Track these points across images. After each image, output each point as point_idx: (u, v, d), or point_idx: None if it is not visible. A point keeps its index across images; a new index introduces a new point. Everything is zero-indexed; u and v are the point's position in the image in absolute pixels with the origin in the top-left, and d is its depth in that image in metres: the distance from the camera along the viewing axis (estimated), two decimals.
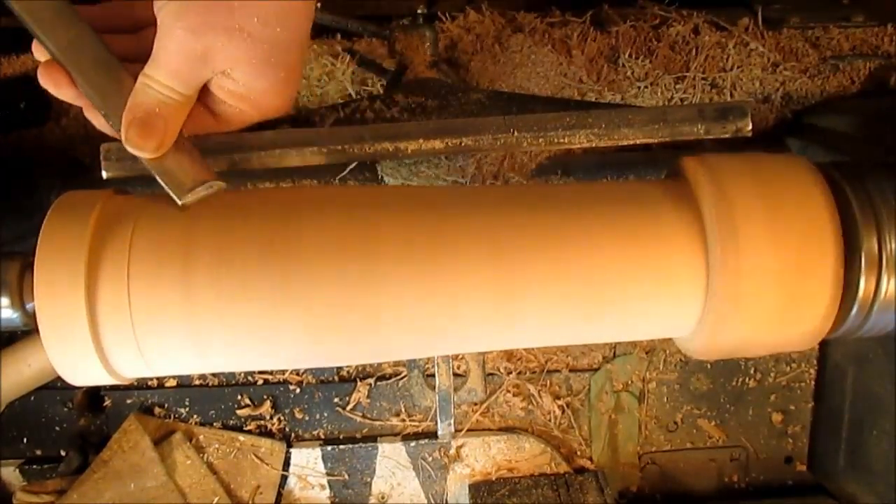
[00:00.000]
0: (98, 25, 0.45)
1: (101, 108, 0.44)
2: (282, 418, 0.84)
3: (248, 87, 0.43)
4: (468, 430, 0.84)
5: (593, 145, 0.51)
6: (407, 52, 0.70)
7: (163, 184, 0.44)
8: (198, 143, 0.47)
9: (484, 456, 0.85)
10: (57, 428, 0.83)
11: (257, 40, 0.41)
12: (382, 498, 0.86)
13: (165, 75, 0.42)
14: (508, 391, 0.84)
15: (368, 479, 0.85)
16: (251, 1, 0.40)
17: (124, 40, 0.47)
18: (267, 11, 0.41)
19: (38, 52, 0.45)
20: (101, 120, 0.44)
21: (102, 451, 0.80)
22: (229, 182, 0.46)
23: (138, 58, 0.44)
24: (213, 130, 0.47)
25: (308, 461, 0.84)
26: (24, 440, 0.83)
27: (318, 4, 0.45)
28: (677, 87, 0.75)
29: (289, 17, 0.42)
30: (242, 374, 0.84)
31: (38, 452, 0.84)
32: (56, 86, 0.44)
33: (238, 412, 0.83)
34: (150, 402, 0.83)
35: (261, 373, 0.84)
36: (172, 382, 0.83)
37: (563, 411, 0.85)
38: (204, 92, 0.44)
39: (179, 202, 0.44)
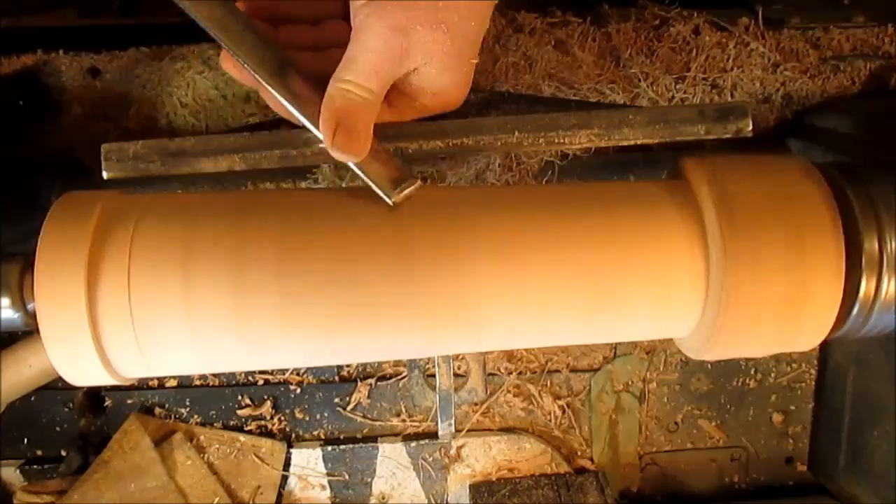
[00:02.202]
0: (277, 14, 0.46)
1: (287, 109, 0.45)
2: (282, 418, 0.84)
3: (435, 82, 0.44)
4: (469, 431, 0.84)
5: (593, 146, 0.51)
6: None
7: (372, 185, 0.45)
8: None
9: (484, 456, 0.85)
10: (57, 428, 0.83)
11: (455, 35, 0.41)
12: (383, 498, 0.86)
13: (364, 76, 0.42)
14: (509, 391, 0.84)
15: (369, 480, 0.85)
16: None
17: (303, 31, 0.48)
18: (466, 5, 0.41)
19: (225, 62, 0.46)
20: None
21: (103, 451, 0.80)
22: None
23: (316, 49, 0.45)
24: (389, 121, 0.47)
25: (308, 461, 0.84)
26: (25, 440, 0.83)
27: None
28: (677, 87, 0.75)
29: (482, 10, 0.42)
30: (243, 375, 0.84)
31: (39, 453, 0.84)
32: (240, 74, 0.46)
33: (238, 412, 0.83)
34: (150, 402, 0.83)
35: (261, 373, 0.84)
36: (173, 383, 0.83)
37: (564, 411, 0.85)
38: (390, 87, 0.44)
39: (391, 201, 0.44)
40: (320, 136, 0.44)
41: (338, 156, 0.44)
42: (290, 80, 0.44)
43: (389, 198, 0.45)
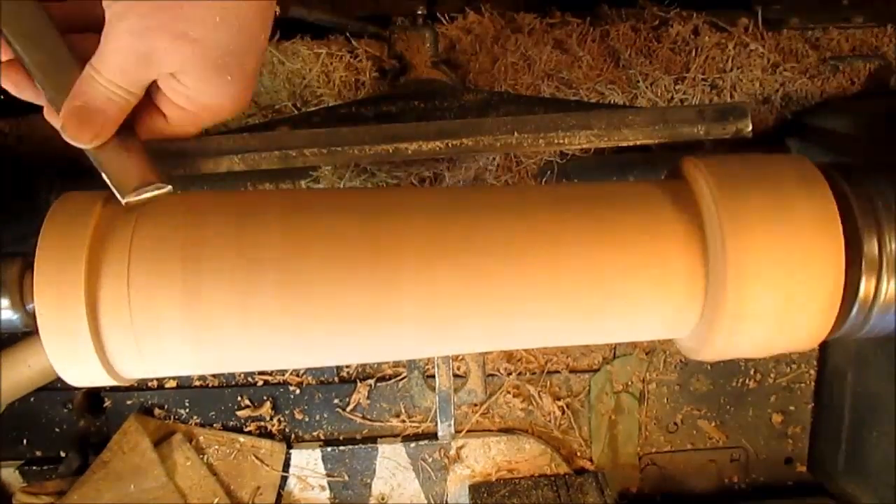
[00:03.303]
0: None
1: (54, 102, 0.44)
2: (282, 419, 0.84)
3: (197, 91, 0.43)
4: (468, 431, 0.84)
5: (593, 146, 0.51)
6: (407, 52, 0.70)
7: (107, 181, 0.44)
8: (195, 143, 0.46)
9: (484, 457, 0.85)
10: (57, 429, 0.83)
11: (206, 46, 0.40)
12: (382, 499, 0.86)
13: (109, 71, 0.41)
14: (508, 392, 0.84)
15: (368, 480, 0.85)
16: (200, 3, 0.39)
17: (70, 5, 0.45)
18: (216, 16, 0.39)
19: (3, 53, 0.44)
20: (59, 121, 0.44)
21: (102, 452, 0.80)
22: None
23: (80, 28, 0.44)
24: (165, 133, 0.46)
25: (308, 462, 0.84)
26: (24, 441, 0.83)
27: (278, 10, 0.45)
28: (677, 87, 0.75)
29: (241, 21, 0.40)
30: (242, 376, 0.84)
31: (38, 453, 0.84)
32: (16, 87, 0.44)
33: (238, 413, 0.83)
34: (150, 403, 0.83)
35: (261, 374, 0.84)
36: (172, 383, 0.83)
37: (563, 412, 0.85)
38: (156, 93, 0.44)
39: (122, 201, 0.44)
40: (58, 118, 0.43)
41: (67, 137, 0.43)
42: (53, 46, 0.43)
43: (122, 197, 0.44)
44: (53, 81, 0.43)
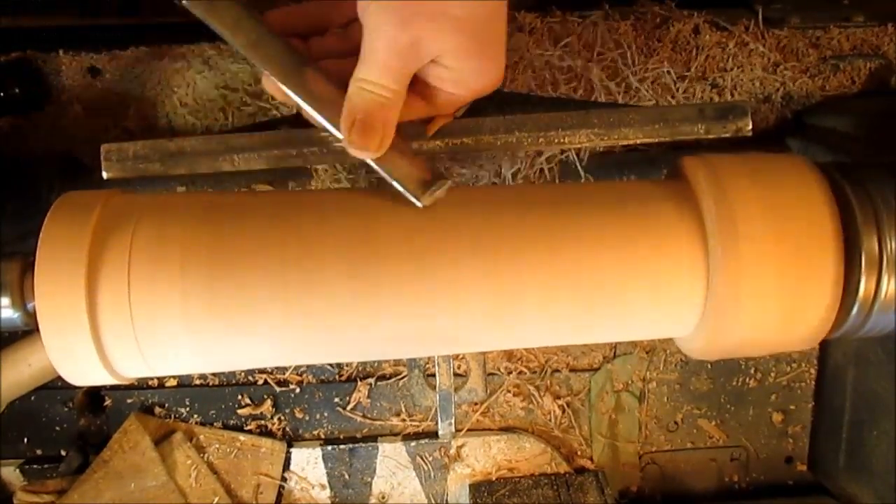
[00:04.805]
0: (305, 24, 0.47)
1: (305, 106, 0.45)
2: (282, 418, 0.84)
3: (458, 70, 0.43)
4: (468, 430, 0.84)
5: (593, 145, 0.51)
6: None
7: (399, 187, 0.44)
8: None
9: (484, 456, 0.85)
10: (57, 428, 0.83)
11: (461, 20, 0.40)
12: (383, 498, 0.86)
13: (377, 74, 0.42)
14: (509, 391, 0.84)
15: (369, 479, 0.85)
16: None
17: (330, 39, 0.48)
18: None
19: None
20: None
21: (103, 450, 0.80)
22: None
23: (343, 54, 0.45)
24: (426, 115, 0.47)
25: (309, 461, 0.84)
26: (25, 440, 0.83)
27: None
28: (677, 86, 0.75)
29: None
30: (243, 374, 0.84)
31: (39, 452, 0.84)
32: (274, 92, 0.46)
33: (238, 412, 0.83)
34: (150, 401, 0.83)
35: (261, 372, 0.84)
36: (173, 382, 0.83)
37: (564, 411, 0.85)
38: (414, 79, 0.44)
39: (420, 203, 0.44)
40: (339, 135, 0.44)
41: (355, 152, 0.44)
42: (308, 81, 0.44)
43: (418, 199, 0.44)
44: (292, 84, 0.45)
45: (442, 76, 0.44)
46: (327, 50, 0.47)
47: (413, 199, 0.44)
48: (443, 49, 0.42)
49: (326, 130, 0.45)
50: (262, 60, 0.44)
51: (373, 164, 0.45)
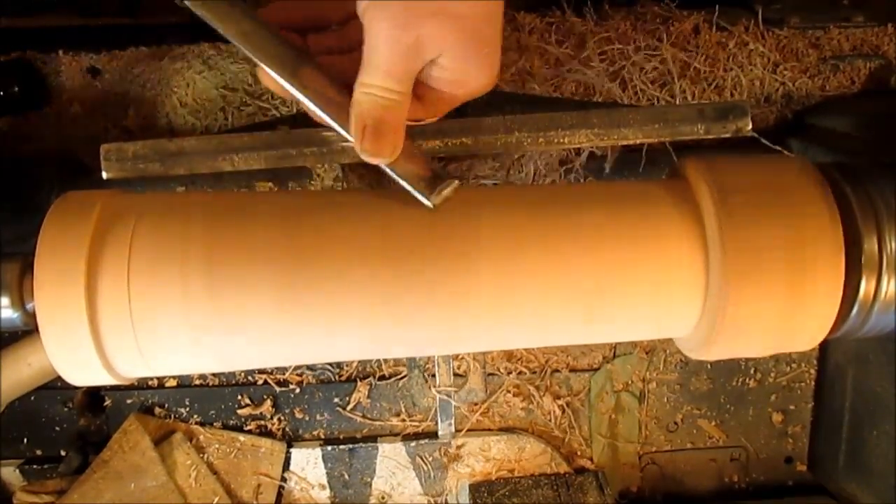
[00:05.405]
0: (302, 20, 0.47)
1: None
2: (282, 418, 0.84)
3: (457, 70, 0.43)
4: (468, 430, 0.84)
5: (593, 145, 0.51)
6: None
7: (408, 187, 0.44)
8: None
9: (484, 456, 0.85)
10: (57, 428, 0.83)
11: (462, 19, 0.41)
12: (383, 498, 0.86)
13: (382, 77, 0.42)
14: (508, 391, 0.84)
15: (369, 480, 0.85)
16: None
17: (329, 35, 0.48)
18: None
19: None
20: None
21: (103, 451, 0.80)
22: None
23: (342, 51, 0.46)
24: (421, 117, 0.47)
25: (308, 461, 0.84)
26: (24, 440, 0.83)
27: None
28: (677, 86, 0.75)
29: None
30: (243, 374, 0.84)
31: (38, 452, 0.84)
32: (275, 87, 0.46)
33: (238, 412, 0.83)
34: (150, 402, 0.83)
35: (261, 373, 0.84)
36: (173, 382, 0.83)
37: (564, 411, 0.85)
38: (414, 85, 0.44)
39: (429, 203, 0.44)
40: (341, 130, 0.44)
41: (369, 159, 0.44)
42: (309, 78, 0.44)
43: (427, 199, 0.44)
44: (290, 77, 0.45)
45: (439, 76, 0.44)
46: (325, 47, 0.47)
47: (423, 199, 0.44)
48: (443, 48, 0.42)
49: (327, 126, 0.45)
50: (263, 57, 0.44)
51: (383, 165, 0.45)
